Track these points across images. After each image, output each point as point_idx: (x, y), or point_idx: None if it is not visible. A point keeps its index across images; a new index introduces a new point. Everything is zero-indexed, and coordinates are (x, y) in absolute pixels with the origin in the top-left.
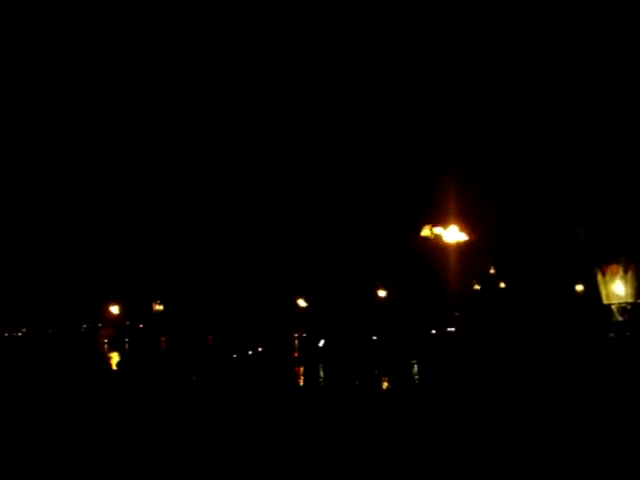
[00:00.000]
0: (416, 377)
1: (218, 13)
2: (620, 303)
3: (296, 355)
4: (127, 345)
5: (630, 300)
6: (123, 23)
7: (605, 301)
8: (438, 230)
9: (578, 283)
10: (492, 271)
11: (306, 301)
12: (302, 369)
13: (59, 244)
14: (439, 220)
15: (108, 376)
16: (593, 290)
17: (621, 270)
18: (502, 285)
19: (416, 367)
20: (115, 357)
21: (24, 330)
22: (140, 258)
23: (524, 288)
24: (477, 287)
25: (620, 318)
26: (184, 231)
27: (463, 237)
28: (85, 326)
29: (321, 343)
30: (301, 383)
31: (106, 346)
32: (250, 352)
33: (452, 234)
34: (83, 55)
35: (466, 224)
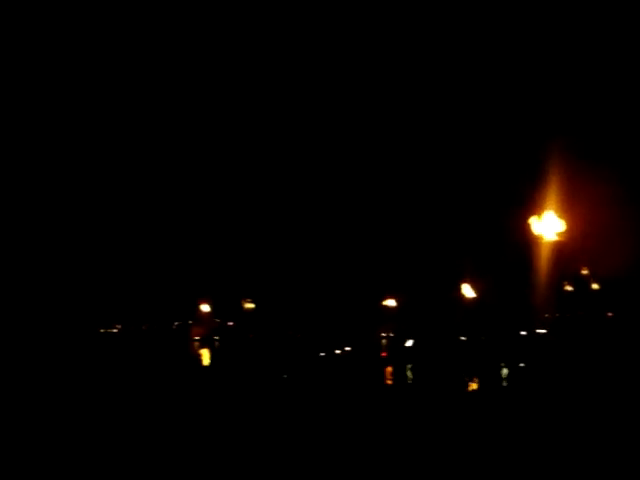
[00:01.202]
0: (505, 379)
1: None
2: None
3: (384, 355)
4: (217, 343)
5: None
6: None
7: None
8: (534, 225)
9: None
10: (585, 272)
11: (395, 300)
12: (390, 369)
13: (153, 243)
14: (533, 214)
15: (199, 372)
16: None
17: None
18: (595, 287)
19: (505, 369)
20: (205, 354)
21: (119, 327)
22: (231, 257)
23: (620, 291)
24: (569, 288)
25: None
26: (275, 230)
27: (557, 233)
28: (177, 324)
29: (409, 343)
30: (389, 383)
31: (197, 343)
32: (338, 351)
33: (547, 230)
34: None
35: (564, 219)
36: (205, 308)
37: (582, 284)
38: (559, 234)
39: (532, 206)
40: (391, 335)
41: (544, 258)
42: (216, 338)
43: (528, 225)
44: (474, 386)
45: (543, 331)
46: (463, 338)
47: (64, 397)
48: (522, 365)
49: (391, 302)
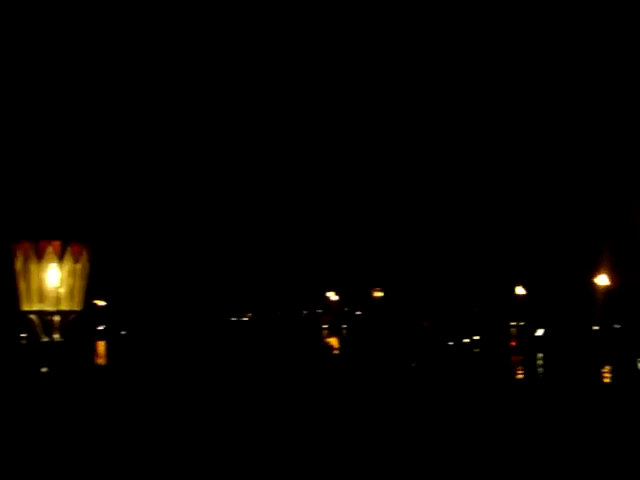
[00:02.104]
0: None
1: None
2: None
3: (513, 344)
4: (345, 331)
5: None
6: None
7: None
8: None
9: None
10: None
11: (525, 289)
12: (520, 359)
13: (283, 233)
14: None
15: (327, 361)
16: None
17: None
18: None
19: None
20: (334, 343)
21: (250, 315)
22: (360, 245)
23: None
24: None
25: None
26: (405, 218)
27: None
28: (305, 312)
29: (540, 332)
30: (519, 374)
31: (325, 332)
32: (466, 340)
33: None
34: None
35: None
36: (333, 297)
37: None
38: None
39: None
40: (521, 324)
41: None
42: (344, 327)
43: None
44: (608, 379)
45: None
46: (596, 328)
47: (197, 383)
48: None
49: (521, 290)
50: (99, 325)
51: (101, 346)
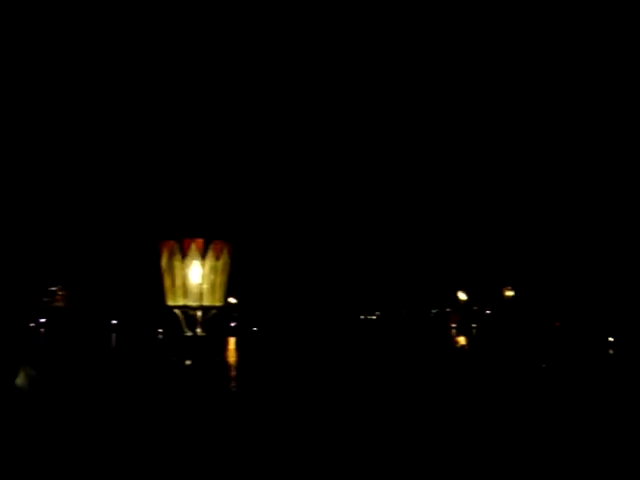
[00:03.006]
0: None
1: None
2: None
3: None
4: (474, 330)
5: None
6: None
7: None
8: None
9: None
10: None
11: None
12: None
13: (415, 233)
14: None
15: (454, 359)
16: None
17: None
18: None
19: None
20: (462, 341)
21: (378, 313)
22: (491, 244)
23: None
24: None
25: None
26: (535, 216)
27: None
28: (434, 311)
29: None
30: None
31: (454, 331)
32: (599, 341)
33: None
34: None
35: None
36: (462, 296)
37: None
38: None
39: None
40: None
41: None
42: (473, 326)
43: None
44: None
45: None
46: None
47: (326, 379)
48: None
49: None
50: (231, 322)
51: (232, 342)
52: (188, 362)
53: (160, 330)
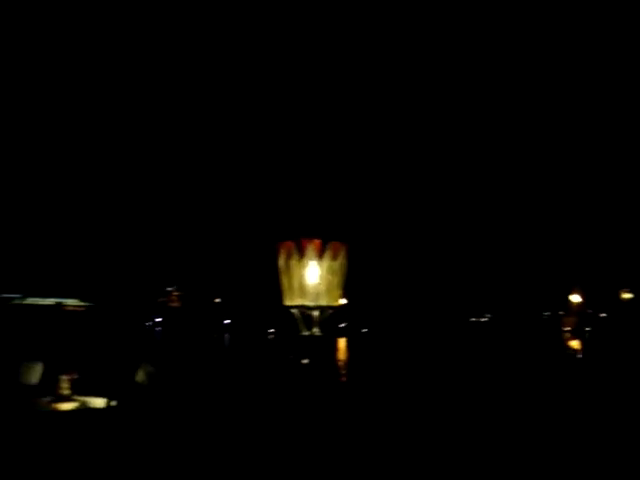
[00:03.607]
0: None
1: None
2: None
3: None
4: (588, 334)
5: None
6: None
7: None
8: None
9: None
10: None
11: None
12: None
13: (526, 236)
14: None
15: (569, 364)
16: None
17: None
18: None
19: None
20: (575, 346)
21: (489, 316)
22: (608, 245)
23: None
24: None
25: None
26: None
27: None
28: (547, 314)
29: None
30: None
31: (567, 334)
32: None
33: None
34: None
35: None
36: (576, 298)
37: None
38: None
39: None
40: None
41: None
42: (587, 330)
43: None
44: None
45: None
46: None
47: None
48: None
49: None
50: (341, 322)
51: (342, 342)
52: (305, 361)
53: (271, 330)
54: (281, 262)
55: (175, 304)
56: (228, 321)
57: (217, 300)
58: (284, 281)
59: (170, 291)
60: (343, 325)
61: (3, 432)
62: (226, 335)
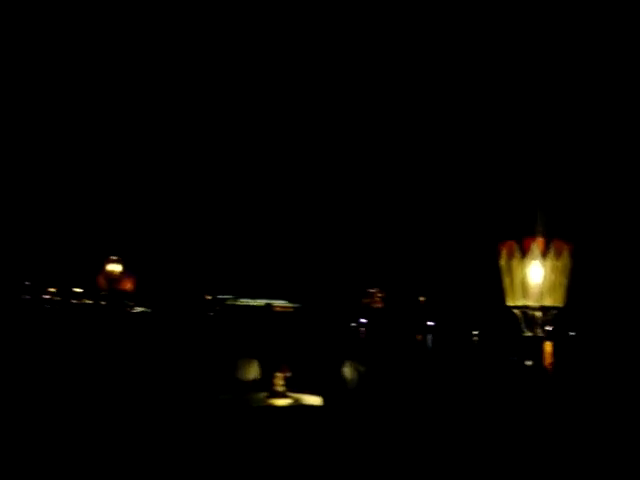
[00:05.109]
0: None
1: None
2: None
3: None
4: None
5: None
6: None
7: None
8: None
9: None
10: None
11: None
12: None
13: None
14: None
15: None
16: None
17: None
18: None
19: None
20: None
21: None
22: None
23: None
24: None
25: None
26: None
27: None
28: None
29: None
30: None
31: None
32: None
33: None
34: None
35: None
36: None
37: None
38: None
39: None
40: None
41: None
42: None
43: None
44: None
45: None
46: None
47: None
48: None
49: None
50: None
51: (548, 346)
52: (529, 363)
53: (475, 332)
54: (502, 262)
55: (378, 305)
56: (431, 323)
57: (421, 299)
58: (506, 281)
59: (373, 292)
60: (550, 328)
61: (221, 423)
62: (429, 336)
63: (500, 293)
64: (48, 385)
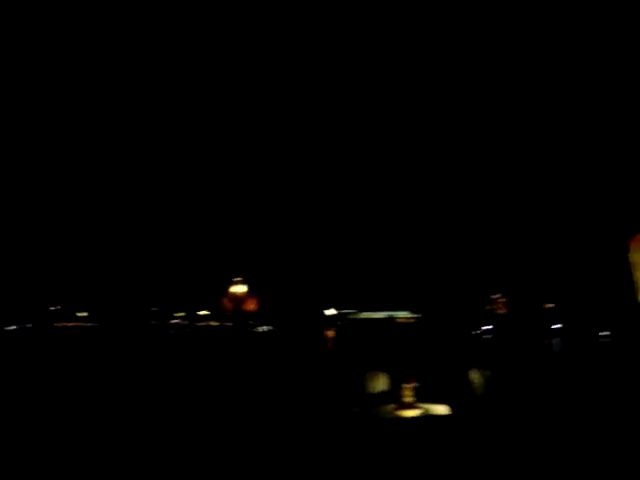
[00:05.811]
0: None
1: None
2: None
3: None
4: None
5: None
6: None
7: None
8: None
9: None
10: None
11: None
12: None
13: None
14: None
15: None
16: None
17: None
18: None
19: None
20: None
21: None
22: None
23: None
24: None
25: None
26: None
27: None
28: None
29: None
30: None
31: None
32: None
33: None
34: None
35: None
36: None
37: None
38: None
39: None
40: None
41: None
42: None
43: None
44: None
45: None
46: None
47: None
48: None
49: None
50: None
51: None
52: None
53: (605, 333)
54: (634, 257)
55: (502, 311)
56: (558, 325)
57: (549, 305)
58: (637, 276)
59: (496, 298)
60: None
61: (352, 435)
62: (555, 340)
63: (631, 289)
64: (182, 405)
